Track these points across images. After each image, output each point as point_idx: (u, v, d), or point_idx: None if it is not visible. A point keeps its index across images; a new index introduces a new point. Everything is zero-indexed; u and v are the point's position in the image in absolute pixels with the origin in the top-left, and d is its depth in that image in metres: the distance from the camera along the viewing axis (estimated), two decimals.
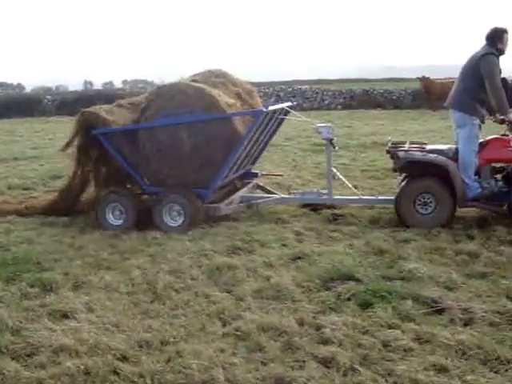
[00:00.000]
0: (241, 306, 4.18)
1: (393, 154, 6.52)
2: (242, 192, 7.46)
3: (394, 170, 6.77)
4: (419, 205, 6.31)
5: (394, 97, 25.86)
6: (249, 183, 7.86)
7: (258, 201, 7.15)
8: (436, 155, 6.29)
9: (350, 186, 7.33)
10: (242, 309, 4.13)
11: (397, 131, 15.32)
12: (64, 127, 13.03)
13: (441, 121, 17.13)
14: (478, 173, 6.27)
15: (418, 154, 6.35)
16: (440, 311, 3.99)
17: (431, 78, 22.92)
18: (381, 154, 10.05)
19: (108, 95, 28.13)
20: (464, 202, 6.17)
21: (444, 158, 6.25)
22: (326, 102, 27.08)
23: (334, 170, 7.09)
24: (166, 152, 6.71)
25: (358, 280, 4.56)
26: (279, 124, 7.87)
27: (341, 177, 7.20)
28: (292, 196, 7.35)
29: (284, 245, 5.75)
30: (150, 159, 6.78)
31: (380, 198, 7.16)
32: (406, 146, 6.67)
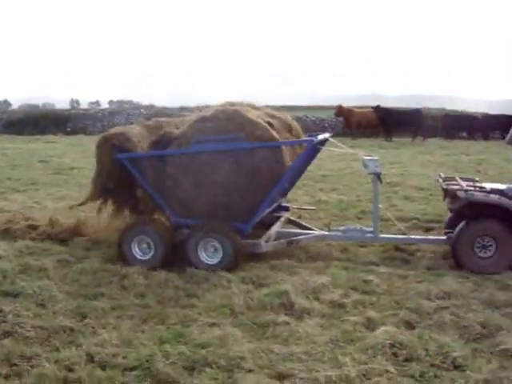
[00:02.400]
0: None
1: (451, 192, 6.14)
2: (277, 227, 6.84)
3: (450, 210, 6.40)
4: (478, 248, 5.90)
5: (326, 124, 25.92)
6: (279, 217, 7.20)
7: (300, 237, 6.53)
8: (498, 196, 5.95)
9: (396, 222, 6.90)
10: None
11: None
12: None
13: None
14: None
15: (480, 195, 5.95)
16: None
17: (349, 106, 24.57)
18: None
19: (56, 116, 28.24)
20: None
21: (506, 199, 5.91)
22: None
23: (381, 207, 6.61)
24: (201, 181, 6.09)
25: None
26: (316, 155, 7.36)
27: (388, 214, 6.79)
28: (334, 233, 6.68)
29: None
30: (183, 188, 6.14)
31: (431, 237, 6.75)
32: (462, 185, 6.29)
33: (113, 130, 6.83)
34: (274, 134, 6.13)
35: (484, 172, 12.59)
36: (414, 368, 3.70)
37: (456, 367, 3.73)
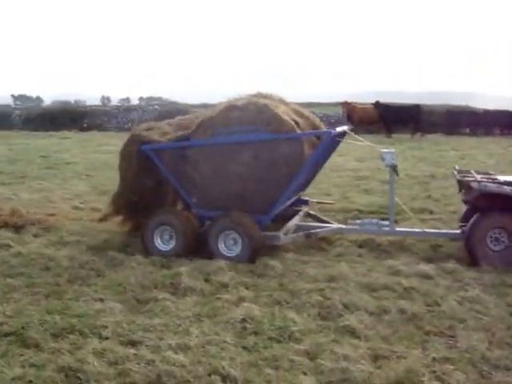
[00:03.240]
0: None
1: (465, 184, 6.16)
2: (296, 220, 6.91)
3: (465, 202, 6.41)
4: (491, 240, 5.85)
5: (333, 120, 25.83)
6: (298, 211, 7.29)
7: (317, 230, 6.60)
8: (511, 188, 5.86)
9: (411, 215, 6.92)
10: None
11: None
12: None
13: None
14: None
15: (493, 186, 5.90)
16: None
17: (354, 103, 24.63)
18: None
19: (73, 112, 28.93)
20: None
21: None
22: None
23: (397, 200, 6.62)
24: (221, 173, 6.17)
25: None
26: (335, 148, 7.48)
27: (404, 207, 6.80)
28: (351, 227, 6.75)
29: None
30: (204, 180, 6.24)
31: (445, 231, 6.74)
32: (476, 176, 6.28)
33: (139, 127, 7.05)
34: (298, 131, 6.23)
35: (461, 166, 12.65)
36: (251, 340, 4.07)
37: (291, 339, 4.08)
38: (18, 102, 66.51)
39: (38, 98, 74.68)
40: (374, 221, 6.73)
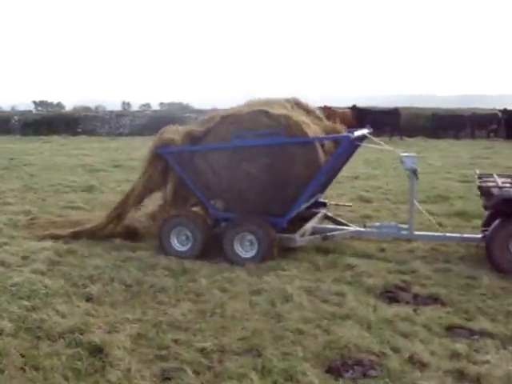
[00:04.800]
0: None
1: (485, 190, 6.05)
2: (313, 222, 6.84)
3: (485, 208, 6.22)
4: None
5: None
6: (316, 213, 7.21)
7: (334, 233, 6.50)
8: None
9: (431, 219, 6.74)
10: None
11: None
12: None
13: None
14: None
15: None
16: None
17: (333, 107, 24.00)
18: None
19: (68, 118, 29.33)
20: None
21: None
22: None
23: (417, 204, 6.44)
24: (237, 175, 6.18)
25: None
26: (354, 151, 7.32)
27: (423, 211, 6.62)
28: (369, 230, 6.66)
29: None
30: (220, 182, 6.27)
31: (466, 235, 6.49)
32: (498, 181, 6.21)
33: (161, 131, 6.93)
34: (308, 130, 6.10)
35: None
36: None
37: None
38: (39, 108, 68.13)
39: (59, 104, 76.37)
40: (393, 224, 6.63)
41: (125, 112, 32.62)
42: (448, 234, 6.49)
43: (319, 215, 7.20)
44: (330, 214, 7.51)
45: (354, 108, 23.62)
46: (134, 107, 75.42)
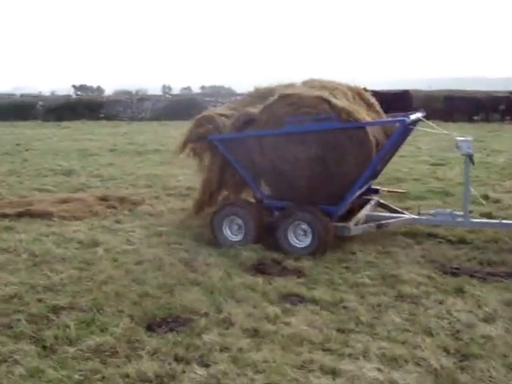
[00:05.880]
0: None
1: None
2: (366, 210, 6.71)
3: None
4: None
5: None
6: (369, 200, 7.07)
7: (389, 221, 6.40)
8: None
9: (484, 203, 6.72)
10: None
11: None
12: None
13: None
14: None
15: None
16: None
17: None
18: None
19: (91, 103, 29.82)
20: None
21: None
22: None
23: (472, 190, 6.38)
24: (290, 162, 6.06)
25: None
26: (408, 136, 7.20)
27: (480, 199, 6.63)
28: (424, 217, 6.53)
29: None
30: (271, 169, 6.17)
31: None
32: None
33: (206, 113, 6.88)
34: (358, 115, 5.98)
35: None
36: None
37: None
38: (78, 92, 69.58)
39: (99, 88, 78.07)
40: (448, 211, 6.46)
41: (146, 96, 33.31)
42: (505, 221, 6.31)
43: (372, 202, 7.03)
44: (383, 201, 7.37)
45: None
46: (175, 90, 76.05)
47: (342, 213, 6.15)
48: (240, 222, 6.15)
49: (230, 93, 39.40)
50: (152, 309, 4.52)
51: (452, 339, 4.01)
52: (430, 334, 4.07)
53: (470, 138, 6.24)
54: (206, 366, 3.61)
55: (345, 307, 4.58)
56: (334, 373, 3.52)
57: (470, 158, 6.14)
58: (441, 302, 4.68)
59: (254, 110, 6.34)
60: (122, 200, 8.47)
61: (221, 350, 3.80)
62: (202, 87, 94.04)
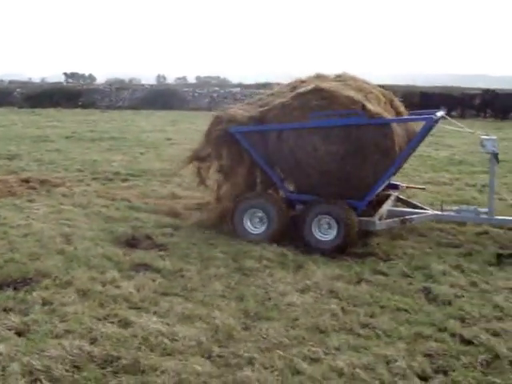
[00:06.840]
0: None
1: None
2: (388, 205, 6.75)
3: None
4: None
5: None
6: (389, 195, 7.11)
7: (413, 217, 6.42)
8: None
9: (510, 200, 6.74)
10: None
11: None
12: None
13: None
14: None
15: None
16: None
17: None
18: None
19: (70, 91, 30.13)
20: None
21: None
22: None
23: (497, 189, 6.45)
24: (317, 157, 6.09)
25: None
26: (428, 133, 7.08)
27: (505, 195, 6.74)
28: (447, 213, 6.49)
29: None
30: (296, 163, 6.18)
31: None
32: None
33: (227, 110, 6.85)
34: (381, 111, 6.12)
35: None
36: None
37: None
38: (69, 80, 69.81)
39: (91, 76, 78.19)
40: (472, 208, 6.48)
41: (124, 85, 33.81)
42: None
43: (392, 198, 7.07)
44: (402, 197, 7.45)
45: None
46: (170, 80, 76.31)
47: (364, 208, 6.19)
48: (261, 214, 6.19)
49: (222, 83, 39.62)
50: (10, 271, 5.14)
51: (258, 305, 4.54)
52: (238, 300, 4.64)
53: (494, 137, 6.30)
54: (25, 315, 4.23)
55: (182, 276, 5.17)
56: (126, 324, 4.12)
57: (495, 156, 6.18)
58: (272, 275, 5.23)
59: (283, 99, 6.31)
60: (43, 182, 9.04)
61: (43, 304, 4.43)
62: (197, 77, 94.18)
